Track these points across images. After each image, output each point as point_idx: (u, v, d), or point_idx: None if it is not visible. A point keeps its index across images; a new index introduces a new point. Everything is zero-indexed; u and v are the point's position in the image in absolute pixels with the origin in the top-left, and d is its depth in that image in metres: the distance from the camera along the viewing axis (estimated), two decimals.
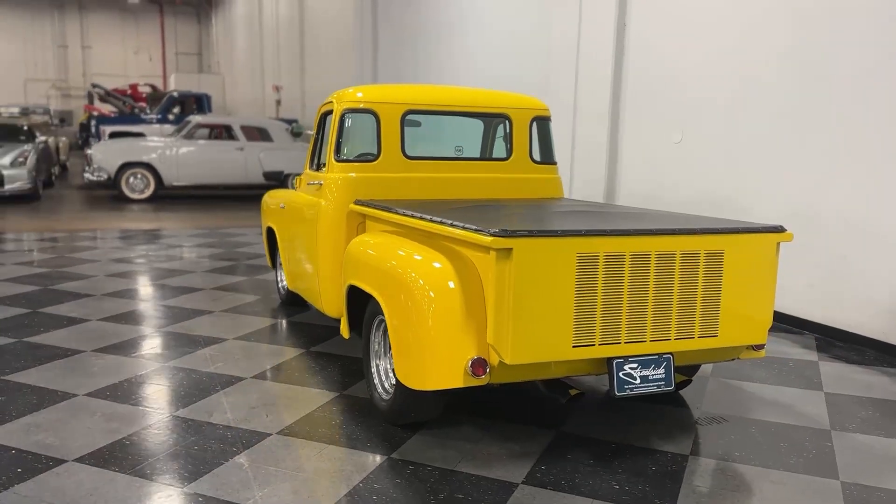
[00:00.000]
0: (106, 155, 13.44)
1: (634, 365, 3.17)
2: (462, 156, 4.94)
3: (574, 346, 3.03)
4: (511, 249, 2.87)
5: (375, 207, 4.03)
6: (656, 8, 6.89)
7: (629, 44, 7.17)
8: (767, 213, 5.77)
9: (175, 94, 20.09)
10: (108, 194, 14.18)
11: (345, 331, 4.18)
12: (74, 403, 3.83)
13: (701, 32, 6.42)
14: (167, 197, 14.16)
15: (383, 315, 3.43)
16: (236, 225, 10.88)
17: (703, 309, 3.26)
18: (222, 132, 14.10)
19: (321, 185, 4.57)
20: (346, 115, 4.49)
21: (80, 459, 3.20)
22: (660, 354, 3.21)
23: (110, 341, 4.92)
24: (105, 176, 13.34)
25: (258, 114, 25.54)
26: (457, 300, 3.09)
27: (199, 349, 4.80)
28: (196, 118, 14.28)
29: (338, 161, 4.48)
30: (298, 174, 5.23)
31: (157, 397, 3.95)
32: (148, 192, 13.56)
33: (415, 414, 3.51)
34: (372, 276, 3.56)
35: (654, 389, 3.21)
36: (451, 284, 3.12)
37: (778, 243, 3.38)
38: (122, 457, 3.23)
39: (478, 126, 5.22)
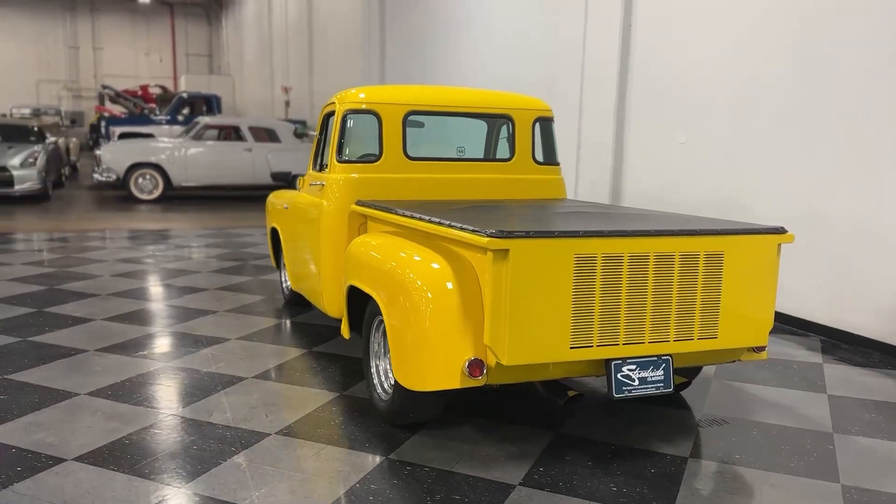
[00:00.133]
0: (115, 156, 13.51)
1: (633, 366, 3.15)
2: (464, 156, 4.93)
3: (572, 348, 3.02)
4: (508, 250, 2.87)
5: (376, 208, 4.03)
6: (661, 9, 6.86)
7: (634, 45, 7.15)
8: (772, 213, 5.73)
9: (184, 95, 20.18)
10: (117, 195, 14.25)
11: (345, 331, 4.18)
12: (76, 403, 3.85)
13: (705, 33, 6.39)
14: (176, 197, 14.22)
15: (382, 315, 3.42)
16: (244, 225, 10.91)
17: (703, 310, 3.24)
18: (231, 133, 14.14)
19: (323, 185, 4.57)
20: (348, 115, 4.50)
21: (79, 458, 3.21)
22: (659, 356, 3.19)
23: (114, 341, 4.94)
24: (114, 176, 13.41)
25: (267, 115, 25.61)
26: (454, 301, 3.09)
27: (202, 349, 4.82)
28: (204, 119, 14.34)
29: (339, 162, 4.48)
30: (304, 175, 5.24)
31: (157, 397, 3.97)
32: (156, 193, 13.62)
33: (413, 415, 3.51)
34: (371, 277, 3.56)
35: (653, 391, 3.19)
36: (449, 285, 3.12)
37: (779, 244, 3.36)
38: (120, 456, 3.25)
39: (482, 127, 5.21)
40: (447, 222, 3.20)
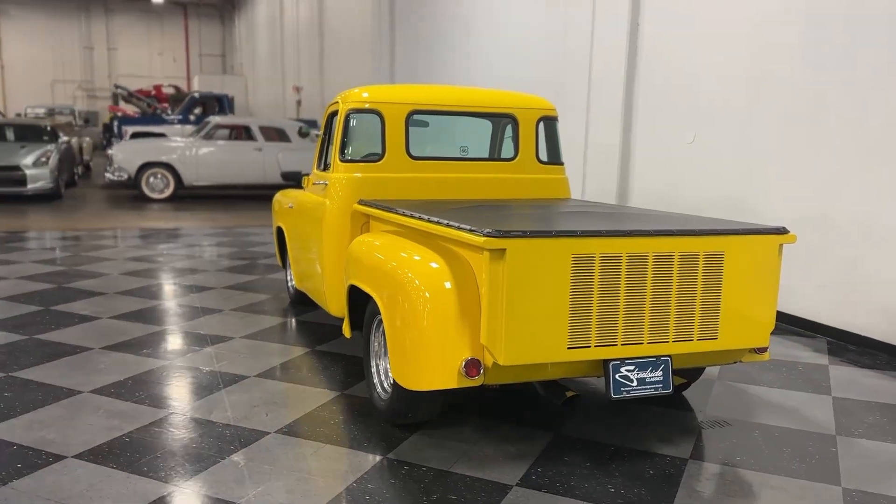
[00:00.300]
0: (126, 155, 13.60)
1: (631, 367, 3.14)
2: (467, 156, 4.92)
3: (569, 348, 3.01)
4: (504, 250, 2.86)
5: (377, 207, 4.03)
6: (669, 8, 6.83)
7: (642, 44, 7.12)
8: (779, 214, 5.69)
9: (196, 95, 20.28)
10: (129, 194, 14.34)
11: (346, 330, 4.19)
12: (78, 400, 3.88)
13: (714, 33, 6.35)
14: (187, 197, 14.30)
15: (381, 315, 3.42)
16: (253, 224, 10.95)
17: (703, 311, 3.22)
18: (241, 133, 14.21)
19: (326, 185, 4.58)
20: (351, 115, 4.50)
21: (79, 456, 3.23)
22: (657, 357, 3.17)
23: (119, 339, 4.97)
24: (125, 176, 13.49)
25: (279, 115, 25.70)
26: (452, 301, 3.08)
27: (206, 347, 4.84)
28: (215, 119, 14.41)
29: (342, 161, 4.49)
30: (309, 175, 5.26)
31: (159, 395, 3.99)
32: (168, 192, 13.70)
33: (412, 414, 3.51)
34: (370, 276, 3.56)
35: (652, 392, 3.17)
36: (448, 285, 3.11)
37: (780, 245, 3.33)
38: (120, 454, 3.26)
39: (487, 127, 5.20)
40: (445, 222, 3.19)
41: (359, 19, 17.81)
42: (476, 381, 3.07)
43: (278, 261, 6.42)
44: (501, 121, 5.05)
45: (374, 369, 3.79)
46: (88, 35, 37.72)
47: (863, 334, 5.16)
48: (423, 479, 3.10)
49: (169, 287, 6.59)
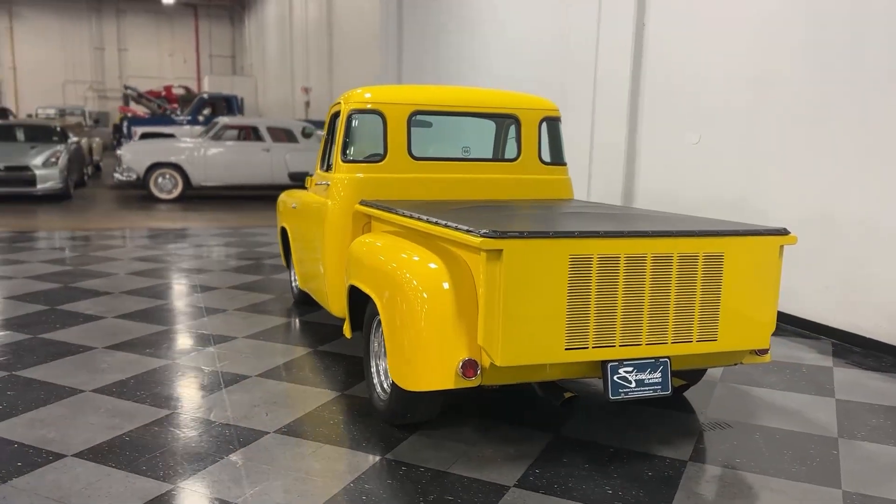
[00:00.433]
0: (135, 155, 13.67)
1: (629, 368, 3.12)
2: (469, 156, 4.92)
3: (567, 349, 3.00)
4: (501, 251, 2.85)
5: (378, 208, 4.03)
6: (675, 8, 6.80)
7: (647, 45, 7.09)
8: (784, 214, 5.66)
9: (205, 95, 20.36)
10: (138, 194, 14.41)
11: (347, 331, 4.19)
12: (80, 399, 3.90)
13: (719, 33, 6.32)
14: (195, 197, 14.35)
15: (379, 315, 3.42)
16: (260, 225, 10.98)
17: (702, 312, 3.20)
18: (249, 133, 14.25)
19: (328, 185, 4.59)
20: (353, 115, 4.51)
21: (79, 454, 3.25)
22: (656, 358, 3.16)
23: (122, 338, 4.99)
24: (134, 176, 13.56)
25: (288, 115, 25.77)
26: (450, 301, 3.08)
27: (209, 347, 4.85)
28: (223, 119, 14.45)
29: (344, 161, 4.49)
30: (313, 175, 5.27)
31: (161, 394, 4.00)
32: (176, 193, 13.75)
33: (411, 415, 3.51)
34: (370, 277, 3.57)
35: (651, 394, 3.16)
36: (446, 286, 3.11)
37: (781, 246, 3.31)
38: (120, 452, 3.28)
39: (491, 127, 5.20)
40: (443, 222, 3.19)
41: (367, 20, 17.84)
42: (473, 382, 3.07)
43: (283, 261, 6.43)
44: (505, 121, 5.04)
45: (373, 370, 3.79)
46: (100, 36, 37.93)
47: (868, 336, 5.13)
48: (421, 479, 3.10)
49: (174, 287, 6.62)
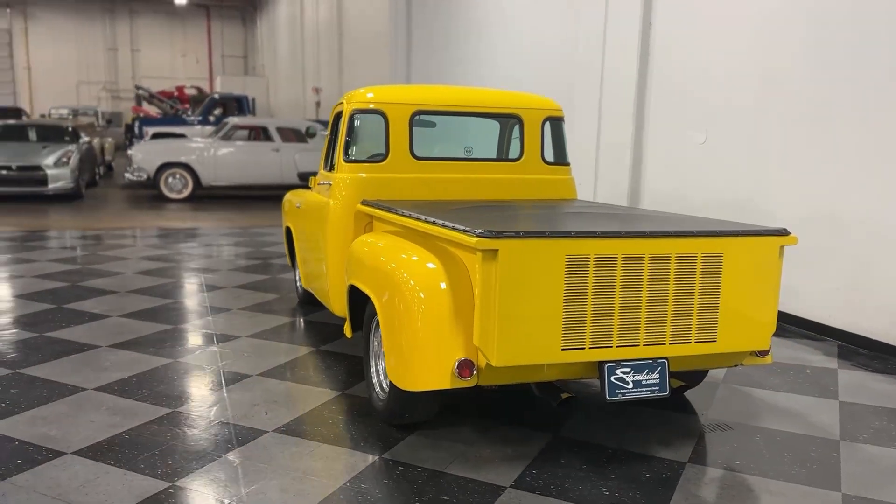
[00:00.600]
0: (146, 155, 13.74)
1: (627, 369, 3.11)
2: (471, 156, 4.91)
3: (563, 350, 2.99)
4: (497, 251, 2.85)
5: (379, 208, 4.04)
6: (682, 8, 6.77)
7: (654, 45, 7.06)
8: (791, 214, 5.62)
9: (216, 96, 20.45)
10: (148, 194, 14.48)
11: (348, 331, 4.20)
12: (82, 397, 3.92)
13: (726, 32, 6.29)
14: (205, 197, 14.41)
15: (377, 315, 3.43)
16: (269, 225, 11.01)
17: (701, 313, 3.18)
18: (259, 133, 14.30)
19: (330, 185, 4.59)
20: (356, 115, 4.51)
21: (78, 452, 3.27)
22: (654, 359, 3.14)
23: (126, 337, 5.02)
24: (145, 176, 13.63)
25: (299, 115, 25.84)
26: (447, 301, 3.08)
27: (212, 346, 4.87)
28: (233, 120, 14.51)
29: (346, 161, 4.50)
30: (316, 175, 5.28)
31: (162, 393, 4.02)
32: (186, 192, 13.81)
33: (409, 415, 3.51)
34: (368, 277, 3.57)
35: (648, 395, 3.15)
36: (443, 286, 3.11)
37: (781, 246, 3.28)
38: (119, 451, 3.30)
39: (496, 127, 5.19)
40: (440, 222, 3.19)
41: (376, 22, 17.86)
42: (469, 382, 3.06)
43: (288, 261, 6.45)
44: (509, 121, 5.03)
45: (373, 369, 3.79)
46: (113, 37, 38.18)
47: (874, 338, 5.08)
48: (417, 479, 3.10)
49: (181, 286, 6.65)
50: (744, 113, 6.11)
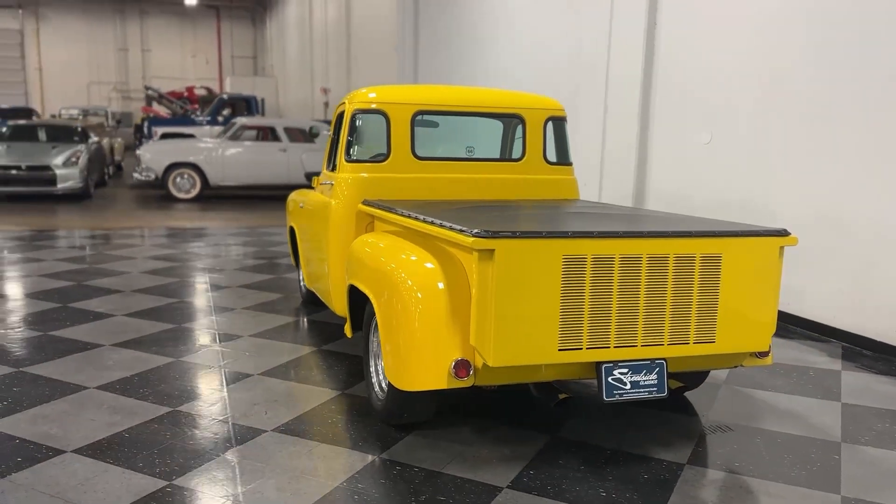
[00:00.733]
0: (154, 155, 13.81)
1: (624, 370, 3.10)
2: (473, 156, 4.91)
3: (560, 350, 2.98)
4: (493, 250, 2.84)
5: (380, 208, 4.04)
6: (687, 8, 6.74)
7: (659, 45, 7.04)
8: (795, 215, 5.59)
9: (225, 96, 20.53)
10: (157, 194, 14.55)
11: (348, 331, 4.21)
12: (84, 396, 3.94)
13: (731, 33, 6.26)
14: (213, 197, 14.46)
15: (376, 315, 3.43)
16: (276, 225, 11.04)
17: (699, 314, 3.17)
18: (267, 134, 14.34)
19: (332, 185, 4.60)
20: (357, 115, 4.52)
21: (78, 451, 3.29)
22: (652, 360, 3.13)
23: (130, 336, 5.04)
24: (153, 176, 13.69)
25: (308, 115, 25.90)
26: (444, 302, 3.08)
27: (214, 345, 4.89)
28: (241, 120, 14.55)
29: (348, 161, 4.51)
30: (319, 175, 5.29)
31: (163, 392, 4.04)
32: (194, 192, 13.87)
33: (408, 415, 3.51)
34: (367, 276, 3.57)
35: (646, 395, 3.13)
36: (441, 286, 3.11)
37: (781, 247, 3.27)
38: (119, 449, 3.31)
39: (499, 127, 5.19)
40: (438, 222, 3.19)
41: (384, 23, 17.88)
42: (466, 383, 3.06)
43: (292, 260, 6.46)
44: (512, 121, 5.03)
45: (372, 369, 3.80)
46: (123, 37, 38.36)
47: (878, 339, 5.05)
48: (414, 479, 3.10)
49: (186, 285, 6.68)
50: (748, 114, 6.08)
